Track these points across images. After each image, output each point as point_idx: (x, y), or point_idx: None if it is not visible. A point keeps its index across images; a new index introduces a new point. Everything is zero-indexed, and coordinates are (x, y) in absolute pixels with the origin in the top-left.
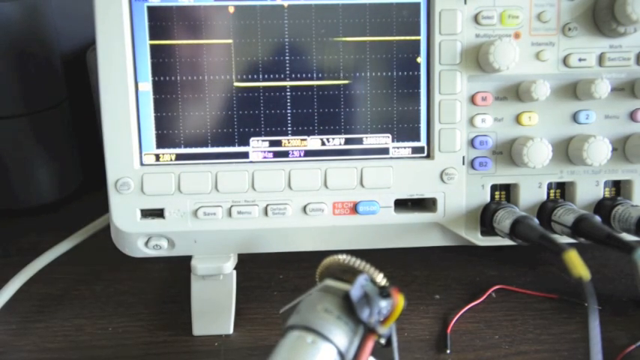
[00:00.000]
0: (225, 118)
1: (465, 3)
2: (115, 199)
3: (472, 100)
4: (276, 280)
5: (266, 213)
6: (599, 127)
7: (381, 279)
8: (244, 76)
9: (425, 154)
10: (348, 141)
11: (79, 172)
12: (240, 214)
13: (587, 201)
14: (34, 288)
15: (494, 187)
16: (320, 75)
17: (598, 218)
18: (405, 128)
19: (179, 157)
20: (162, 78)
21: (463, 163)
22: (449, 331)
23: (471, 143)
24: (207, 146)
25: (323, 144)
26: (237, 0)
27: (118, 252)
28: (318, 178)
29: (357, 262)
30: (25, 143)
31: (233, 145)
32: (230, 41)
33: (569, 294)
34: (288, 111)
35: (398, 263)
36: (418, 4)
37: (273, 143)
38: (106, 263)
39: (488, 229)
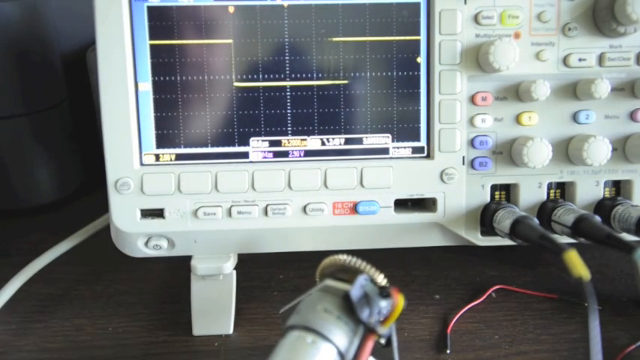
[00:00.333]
0: (225, 118)
1: (465, 3)
2: (114, 199)
3: (472, 100)
4: (276, 280)
5: (266, 213)
6: (599, 127)
7: (381, 279)
8: (244, 76)
9: (425, 154)
10: (348, 141)
11: (79, 172)
12: (240, 214)
13: (587, 201)
14: (34, 288)
15: (494, 187)
16: (320, 75)
17: (598, 218)
18: (405, 128)
19: (179, 157)
20: (162, 78)
21: (463, 163)
22: (449, 331)
23: (471, 143)
24: (207, 146)
25: (323, 144)
26: (237, 0)
27: (118, 252)
28: (318, 178)
29: (357, 262)
30: (25, 143)
31: (233, 145)
32: (230, 41)
33: (569, 294)
34: (288, 111)
35: (398, 263)
36: (418, 4)
37: (273, 143)
38: (106, 263)
39: (488, 229)
